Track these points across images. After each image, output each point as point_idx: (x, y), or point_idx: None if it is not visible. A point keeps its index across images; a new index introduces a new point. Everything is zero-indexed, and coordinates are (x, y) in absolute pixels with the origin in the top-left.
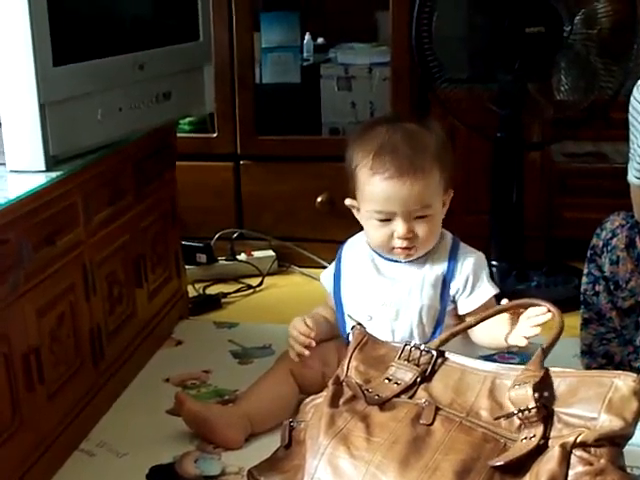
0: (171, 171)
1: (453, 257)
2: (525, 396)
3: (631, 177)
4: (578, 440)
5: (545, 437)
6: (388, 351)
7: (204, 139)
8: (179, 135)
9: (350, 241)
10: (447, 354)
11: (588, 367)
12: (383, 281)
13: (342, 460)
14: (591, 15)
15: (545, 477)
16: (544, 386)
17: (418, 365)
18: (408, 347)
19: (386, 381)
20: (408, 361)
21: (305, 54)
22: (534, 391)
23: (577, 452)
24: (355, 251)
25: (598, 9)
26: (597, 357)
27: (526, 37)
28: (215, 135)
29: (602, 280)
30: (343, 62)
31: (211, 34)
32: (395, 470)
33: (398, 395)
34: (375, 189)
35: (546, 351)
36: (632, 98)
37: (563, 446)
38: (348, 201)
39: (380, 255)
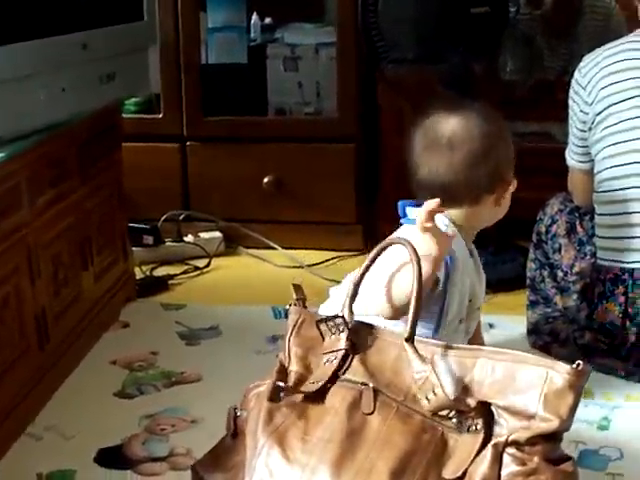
0: (117, 152)
1: None
2: (445, 403)
3: (571, 161)
4: (510, 439)
5: (488, 429)
6: (323, 323)
7: (150, 120)
8: (125, 116)
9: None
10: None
11: (534, 345)
12: (482, 277)
13: (278, 463)
14: None
15: None
16: (456, 383)
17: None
18: (336, 320)
19: (325, 365)
20: (338, 333)
21: (252, 34)
22: (453, 400)
23: (510, 450)
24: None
25: None
26: (543, 335)
27: (472, 17)
28: (161, 116)
29: (547, 267)
30: (289, 42)
31: (156, 14)
32: (329, 474)
33: (335, 376)
34: None
35: (410, 337)
36: (573, 81)
37: (495, 446)
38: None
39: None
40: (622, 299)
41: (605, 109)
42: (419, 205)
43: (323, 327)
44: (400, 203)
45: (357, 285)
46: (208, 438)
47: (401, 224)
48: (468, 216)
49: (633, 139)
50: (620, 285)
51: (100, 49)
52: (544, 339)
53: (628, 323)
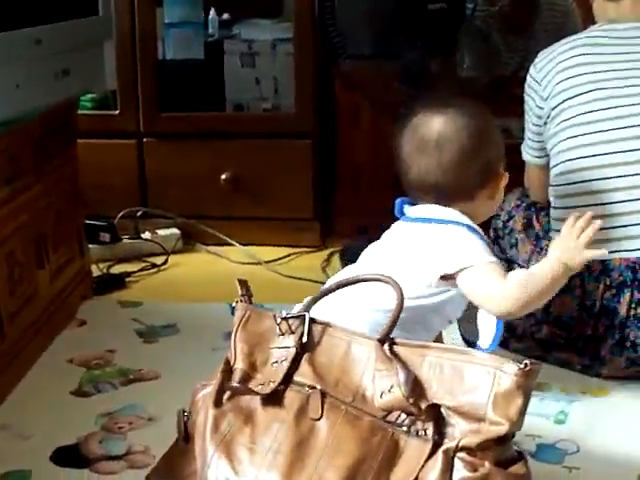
0: (72, 149)
1: None
2: (399, 401)
3: (527, 156)
4: (461, 445)
5: (439, 433)
6: (271, 324)
7: (106, 116)
8: (81, 112)
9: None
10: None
11: None
12: None
13: (227, 476)
14: None
15: None
16: (411, 383)
17: (295, 333)
18: (284, 317)
19: (273, 366)
20: (289, 332)
21: (210, 30)
22: (407, 398)
23: (461, 454)
24: None
25: None
26: None
27: (428, 13)
28: (117, 112)
29: (505, 262)
30: (246, 38)
31: (112, 9)
32: None
33: (286, 379)
34: None
35: (384, 338)
36: (528, 76)
37: (446, 452)
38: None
39: None
40: (578, 291)
41: (560, 104)
42: (414, 204)
43: (283, 325)
44: (398, 201)
45: (325, 293)
46: (166, 436)
47: (397, 219)
48: (465, 213)
49: (587, 133)
50: (576, 277)
51: (54, 45)
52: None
53: (584, 315)
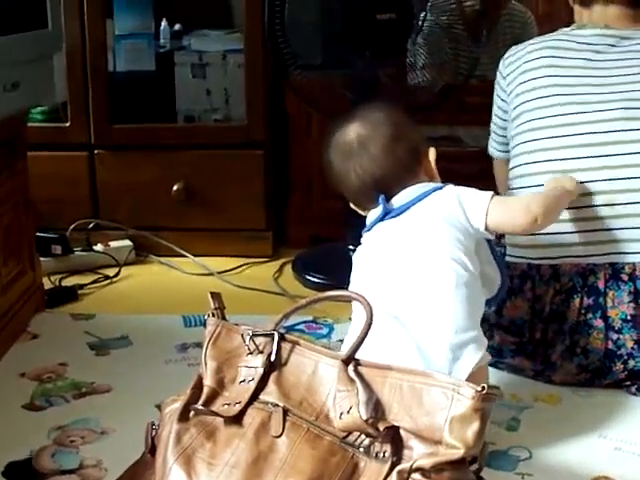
0: (22, 161)
1: None
2: (357, 423)
3: (493, 150)
4: (415, 466)
5: (397, 455)
6: (241, 341)
7: (57, 128)
8: (31, 125)
9: None
10: (301, 341)
11: None
12: None
13: None
14: (445, 1)
15: None
16: (371, 404)
17: (263, 353)
18: (253, 334)
19: (241, 384)
20: (257, 352)
21: (162, 41)
22: (366, 420)
23: (416, 475)
24: None
25: None
26: None
27: (378, 23)
28: (68, 124)
29: None
30: (197, 49)
31: (61, 21)
32: None
33: (253, 397)
34: None
35: (348, 359)
36: (497, 71)
37: (400, 473)
38: None
39: None
40: (530, 295)
41: (520, 105)
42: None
43: (251, 345)
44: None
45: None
46: (119, 449)
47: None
48: None
49: (544, 138)
50: (528, 281)
51: (3, 58)
52: None
53: (535, 320)
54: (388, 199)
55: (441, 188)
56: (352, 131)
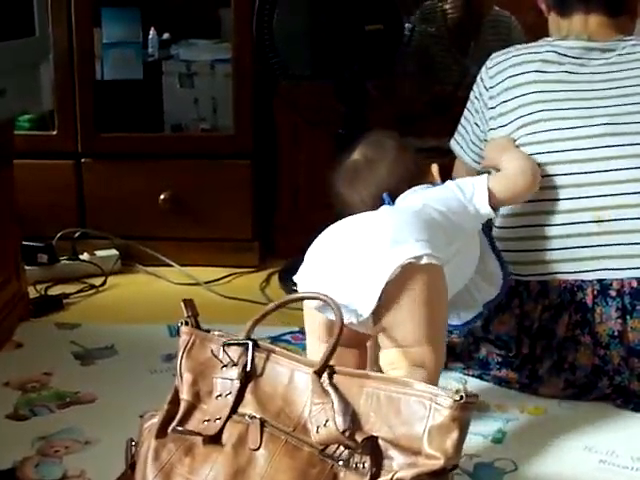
0: (8, 170)
1: None
2: (334, 435)
3: (467, 158)
4: (395, 478)
5: (376, 466)
6: (215, 350)
7: (44, 137)
8: (18, 133)
9: None
10: (277, 348)
11: None
12: None
13: None
14: (430, 12)
15: None
16: (347, 416)
17: (237, 365)
18: (227, 344)
19: (218, 399)
20: (232, 364)
21: (150, 50)
22: (343, 432)
23: None
24: None
25: (437, 6)
26: None
27: (366, 34)
28: (55, 133)
29: None
30: (185, 59)
31: (49, 29)
32: None
33: (232, 412)
34: None
35: (321, 369)
36: (479, 78)
37: None
38: None
39: None
40: (517, 311)
41: (507, 124)
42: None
43: (225, 357)
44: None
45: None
46: (103, 459)
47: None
48: None
49: (532, 154)
50: (516, 298)
51: None
52: None
53: (523, 335)
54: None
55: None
56: (357, 155)
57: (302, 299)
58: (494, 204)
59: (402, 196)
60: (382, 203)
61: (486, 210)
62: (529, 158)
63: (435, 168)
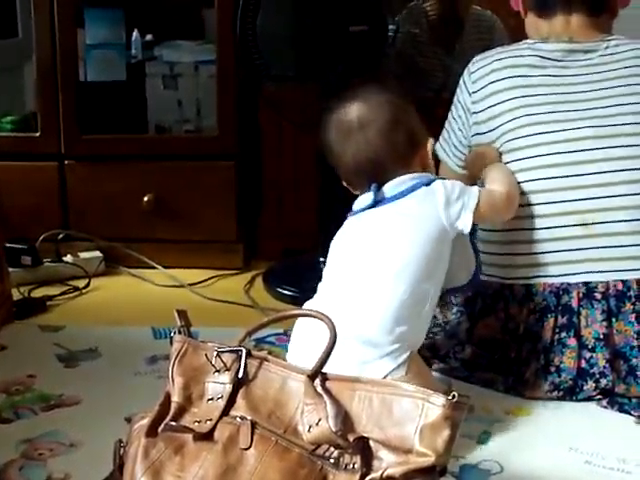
0: None
1: None
2: (326, 435)
3: (451, 163)
4: (385, 475)
5: (367, 466)
6: (207, 359)
7: (27, 138)
8: (0, 134)
9: None
10: (269, 357)
11: None
12: None
13: None
14: (414, 14)
15: None
16: (340, 416)
17: (230, 370)
18: (219, 351)
19: (209, 402)
20: (225, 369)
21: (133, 51)
22: (335, 432)
23: None
24: None
25: (421, 8)
26: (422, 349)
27: (350, 35)
28: (38, 134)
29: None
30: (168, 60)
31: (32, 30)
32: None
33: (223, 415)
34: None
35: (315, 374)
36: (461, 82)
37: None
38: None
39: None
40: (502, 315)
41: (491, 131)
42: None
43: (218, 363)
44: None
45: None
46: (87, 462)
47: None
48: None
49: (517, 159)
50: (501, 301)
51: None
52: (423, 354)
53: (508, 339)
54: (380, 186)
55: (429, 184)
56: (354, 110)
57: (296, 316)
58: (474, 221)
59: (388, 186)
60: (369, 184)
61: (467, 230)
62: (513, 181)
63: (430, 144)
